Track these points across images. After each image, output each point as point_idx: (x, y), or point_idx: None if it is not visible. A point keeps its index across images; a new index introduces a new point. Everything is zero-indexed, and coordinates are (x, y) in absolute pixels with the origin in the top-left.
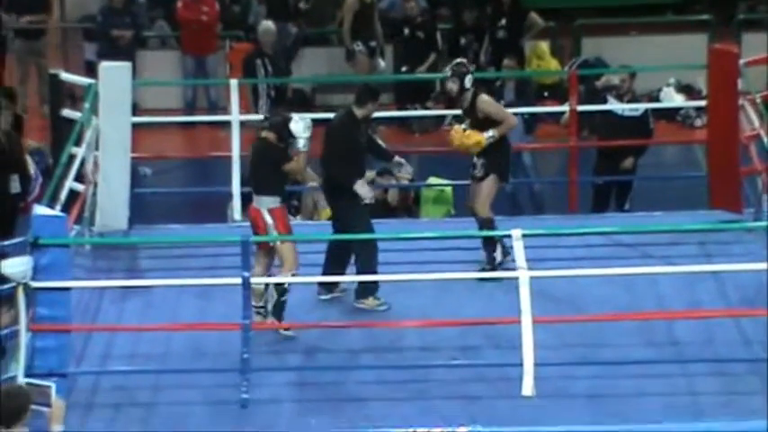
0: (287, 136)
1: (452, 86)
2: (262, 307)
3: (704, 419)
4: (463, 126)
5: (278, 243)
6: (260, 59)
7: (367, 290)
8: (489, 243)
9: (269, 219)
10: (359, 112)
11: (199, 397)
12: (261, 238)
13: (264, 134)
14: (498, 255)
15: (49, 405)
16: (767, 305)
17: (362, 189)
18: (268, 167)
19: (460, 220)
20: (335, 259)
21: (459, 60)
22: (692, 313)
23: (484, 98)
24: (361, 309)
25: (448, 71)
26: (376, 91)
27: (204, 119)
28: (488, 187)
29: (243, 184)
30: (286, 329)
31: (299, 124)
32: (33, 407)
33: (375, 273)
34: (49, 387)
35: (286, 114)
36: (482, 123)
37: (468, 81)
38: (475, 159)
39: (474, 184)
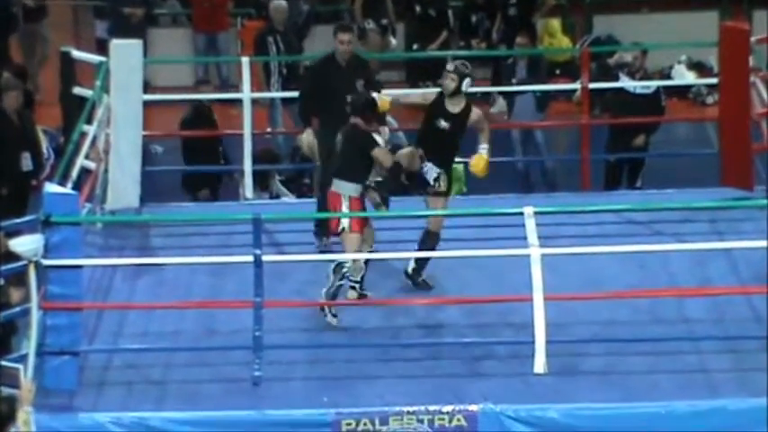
0: (372, 114)
1: (450, 84)
2: (358, 282)
3: (717, 397)
4: (482, 150)
5: (344, 234)
6: (271, 37)
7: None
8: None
9: (346, 209)
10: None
11: (211, 375)
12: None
13: (353, 120)
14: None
15: (18, 387)
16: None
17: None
18: (356, 154)
19: (473, 197)
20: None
21: (463, 61)
22: (703, 290)
23: (476, 109)
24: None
25: (450, 67)
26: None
27: (216, 96)
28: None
29: (254, 161)
30: (334, 315)
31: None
32: (3, 388)
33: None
34: (17, 369)
35: (366, 94)
36: (463, 128)
37: (465, 84)
38: (436, 173)
39: (431, 197)
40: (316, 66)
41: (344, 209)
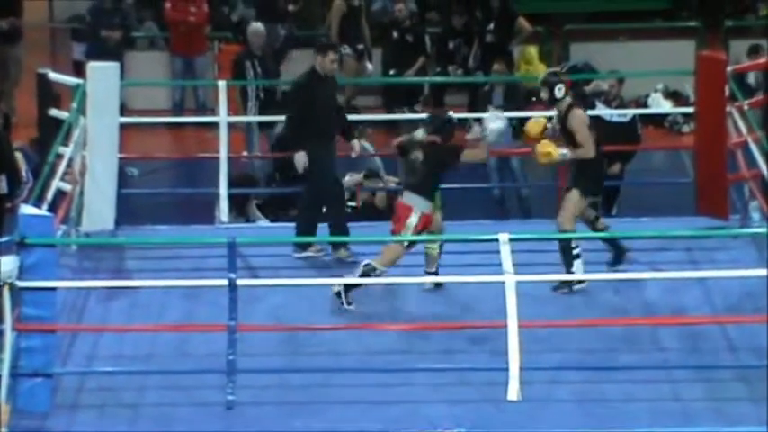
0: (451, 133)
1: (543, 95)
2: (434, 273)
3: (691, 426)
4: (550, 123)
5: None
6: (249, 61)
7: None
8: (567, 254)
9: (415, 220)
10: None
11: (184, 398)
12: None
13: (431, 138)
14: (578, 269)
15: None
16: (753, 312)
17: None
18: (434, 170)
19: (449, 223)
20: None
21: (552, 69)
22: (677, 319)
23: (576, 113)
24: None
25: (540, 77)
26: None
27: (192, 120)
28: (569, 200)
29: (230, 185)
30: (349, 304)
31: (491, 117)
32: None
33: (312, 225)
34: None
35: (443, 114)
36: (569, 136)
37: (558, 90)
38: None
39: (562, 193)
40: (302, 85)
41: (413, 221)
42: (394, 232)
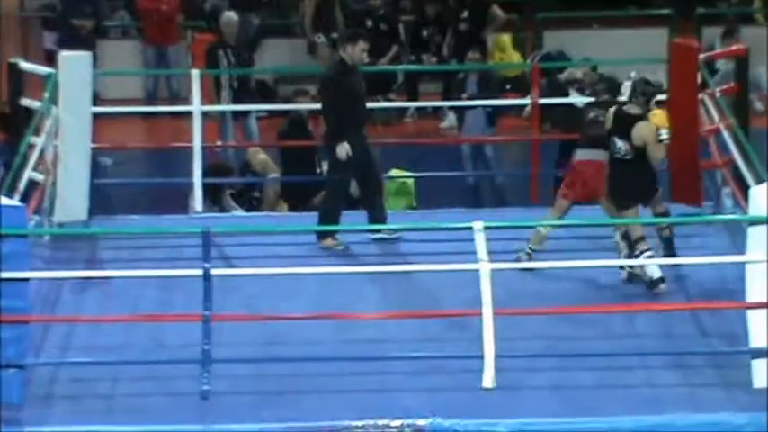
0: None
1: (636, 102)
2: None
3: (664, 412)
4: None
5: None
6: (222, 50)
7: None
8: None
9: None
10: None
11: (159, 388)
12: None
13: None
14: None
15: None
16: (726, 299)
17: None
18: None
19: (423, 212)
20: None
21: (638, 78)
22: (651, 306)
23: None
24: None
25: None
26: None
27: (166, 109)
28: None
29: (204, 175)
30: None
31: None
32: None
33: (336, 215)
34: None
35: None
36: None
37: (652, 104)
38: None
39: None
40: (332, 76)
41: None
42: (565, 196)
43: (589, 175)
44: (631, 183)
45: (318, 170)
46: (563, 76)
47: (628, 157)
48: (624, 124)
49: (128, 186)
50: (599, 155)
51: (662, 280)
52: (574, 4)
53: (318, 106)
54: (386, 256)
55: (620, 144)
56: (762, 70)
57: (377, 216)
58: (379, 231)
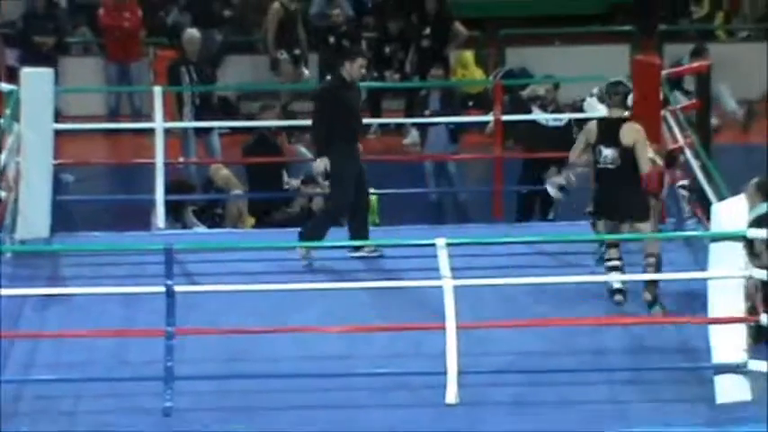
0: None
1: (610, 102)
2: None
3: (628, 427)
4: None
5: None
6: (184, 67)
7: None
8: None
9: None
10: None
11: (122, 405)
12: None
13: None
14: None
15: None
16: (689, 314)
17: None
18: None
19: (386, 228)
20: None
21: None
22: (615, 320)
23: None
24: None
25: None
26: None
27: (128, 126)
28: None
29: (166, 191)
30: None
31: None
32: None
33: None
34: None
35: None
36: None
37: (630, 99)
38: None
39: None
40: (328, 91)
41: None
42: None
43: None
44: (621, 195)
45: (286, 185)
46: (525, 93)
47: (614, 167)
48: (610, 129)
49: (90, 203)
50: None
51: (619, 291)
52: (536, 21)
53: (286, 122)
54: (350, 273)
55: (607, 152)
56: (722, 87)
57: (359, 231)
58: (360, 249)
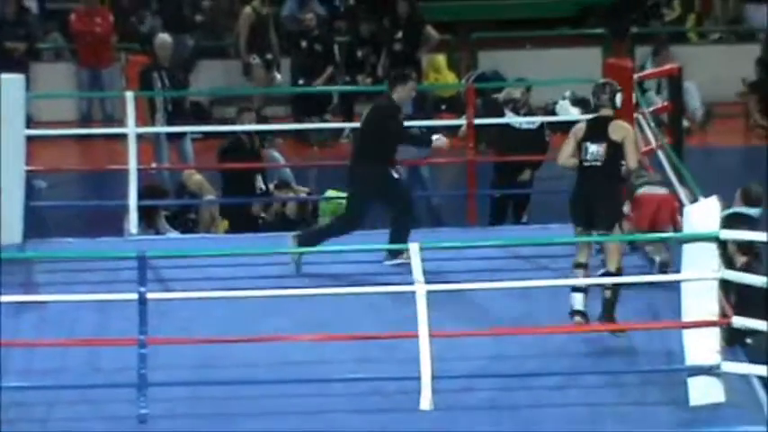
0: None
1: (599, 100)
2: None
3: (603, 430)
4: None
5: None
6: (156, 72)
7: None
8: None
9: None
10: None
11: (96, 412)
12: None
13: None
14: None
15: None
16: (662, 317)
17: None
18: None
19: (358, 233)
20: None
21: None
22: (587, 326)
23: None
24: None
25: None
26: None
27: (100, 132)
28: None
29: (139, 197)
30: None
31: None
32: None
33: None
34: None
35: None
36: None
37: (618, 99)
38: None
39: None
40: (395, 111)
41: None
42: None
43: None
44: (597, 197)
45: (260, 188)
46: (501, 96)
47: (597, 164)
48: (598, 126)
49: (62, 209)
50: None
51: (579, 313)
52: (508, 25)
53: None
54: (323, 278)
55: (593, 148)
56: (689, 85)
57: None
58: (398, 255)
